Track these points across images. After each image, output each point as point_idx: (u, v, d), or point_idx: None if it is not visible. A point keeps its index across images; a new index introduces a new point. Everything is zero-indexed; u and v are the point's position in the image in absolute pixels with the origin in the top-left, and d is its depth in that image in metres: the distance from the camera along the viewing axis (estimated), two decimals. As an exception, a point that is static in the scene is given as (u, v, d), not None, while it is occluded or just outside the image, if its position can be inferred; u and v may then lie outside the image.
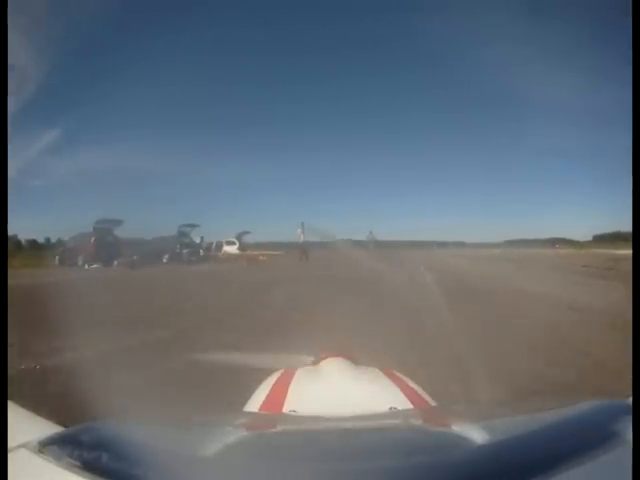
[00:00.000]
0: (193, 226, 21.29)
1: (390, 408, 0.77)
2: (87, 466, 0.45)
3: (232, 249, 22.91)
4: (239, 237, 23.99)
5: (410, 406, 0.81)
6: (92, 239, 16.35)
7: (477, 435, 0.53)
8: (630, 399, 0.61)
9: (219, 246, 23.19)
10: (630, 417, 0.52)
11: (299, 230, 18.76)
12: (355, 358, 1.19)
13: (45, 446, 0.50)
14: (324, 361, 1.15)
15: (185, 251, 19.01)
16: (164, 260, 17.69)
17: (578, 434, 0.53)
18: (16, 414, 0.61)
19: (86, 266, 15.33)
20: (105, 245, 16.48)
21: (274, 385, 0.94)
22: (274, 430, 0.70)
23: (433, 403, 0.88)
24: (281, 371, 1.06)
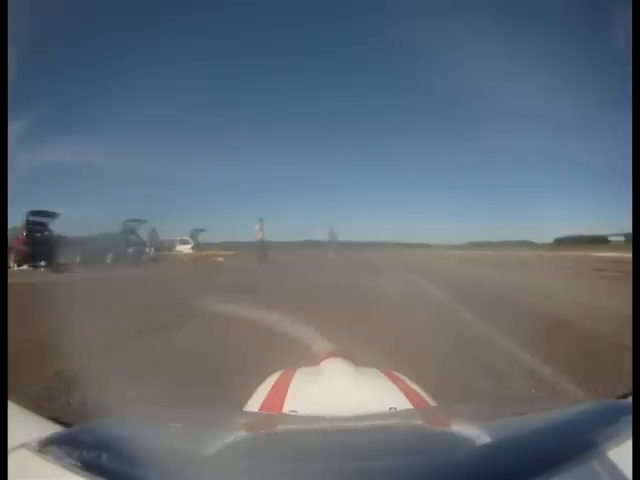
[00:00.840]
0: (140, 222, 18.46)
1: (390, 408, 0.78)
2: (87, 466, 0.45)
3: (185, 248, 21.14)
4: (193, 235, 22.15)
5: (410, 406, 0.81)
6: (23, 235, 13.55)
7: (477, 435, 0.53)
8: (630, 399, 0.62)
9: (171, 245, 21.27)
10: (630, 417, 0.52)
11: (257, 227, 16.48)
12: (355, 358, 1.19)
13: (45, 446, 0.50)
14: (324, 361, 1.15)
15: (130, 250, 16.62)
16: (108, 260, 15.56)
17: (578, 434, 0.53)
18: (16, 414, 0.60)
19: (15, 267, 12.77)
20: (39, 243, 13.75)
21: (274, 385, 0.94)
22: (274, 430, 0.70)
23: (433, 403, 0.88)
24: (281, 371, 1.06)
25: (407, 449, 0.55)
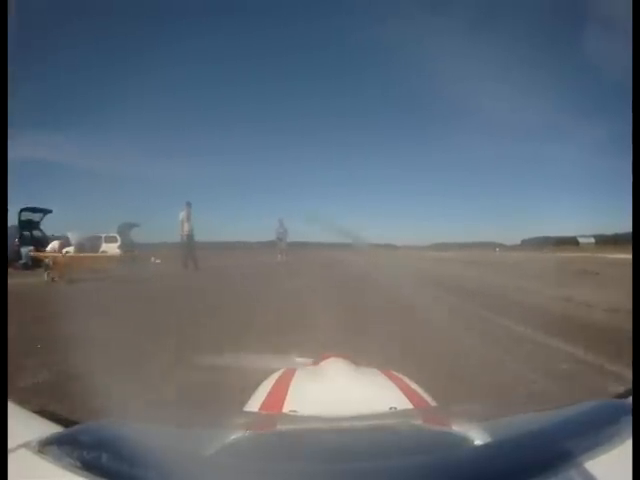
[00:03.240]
0: (44, 212, 13.99)
1: (390, 408, 0.78)
2: (87, 466, 0.45)
3: (112, 248, 15.62)
4: (122, 231, 16.46)
5: (410, 406, 0.81)
6: None
7: (477, 435, 0.53)
8: (630, 399, 0.61)
9: (95, 243, 15.37)
10: (630, 417, 0.52)
11: (182, 214, 11.33)
12: (355, 359, 1.19)
13: (45, 446, 0.50)
14: (324, 361, 1.15)
15: (25, 250, 12.35)
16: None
17: (578, 434, 0.53)
18: (16, 414, 0.60)
19: None
20: None
21: (274, 385, 0.94)
22: (274, 430, 0.70)
23: (433, 403, 0.88)
24: (281, 371, 1.05)
25: (407, 449, 0.55)
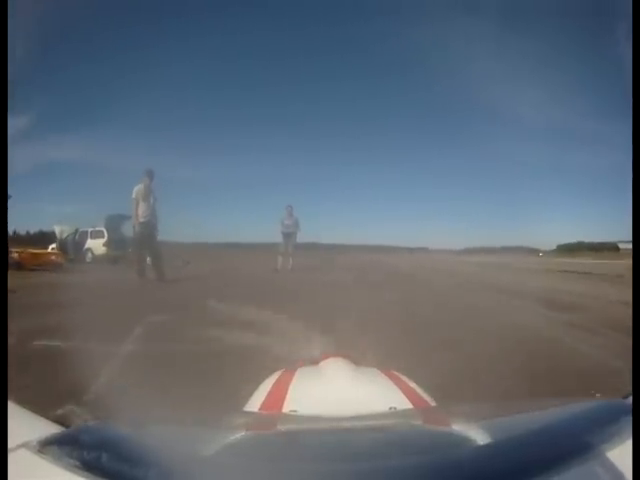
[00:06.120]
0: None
1: (390, 408, 0.78)
2: (87, 466, 0.45)
3: (97, 245, 13.34)
4: (110, 225, 13.49)
5: (410, 406, 0.81)
6: None
7: (477, 435, 0.53)
8: (630, 399, 0.61)
9: (80, 240, 13.59)
10: (630, 417, 0.52)
11: (137, 190, 7.21)
12: (355, 358, 1.20)
13: (45, 446, 0.49)
14: (324, 361, 1.15)
15: None
16: None
17: (578, 434, 0.53)
18: (16, 414, 0.60)
19: None
20: None
21: (274, 385, 0.93)
22: (274, 430, 0.70)
23: (433, 403, 0.88)
24: (281, 371, 1.05)
25: (407, 449, 0.55)
